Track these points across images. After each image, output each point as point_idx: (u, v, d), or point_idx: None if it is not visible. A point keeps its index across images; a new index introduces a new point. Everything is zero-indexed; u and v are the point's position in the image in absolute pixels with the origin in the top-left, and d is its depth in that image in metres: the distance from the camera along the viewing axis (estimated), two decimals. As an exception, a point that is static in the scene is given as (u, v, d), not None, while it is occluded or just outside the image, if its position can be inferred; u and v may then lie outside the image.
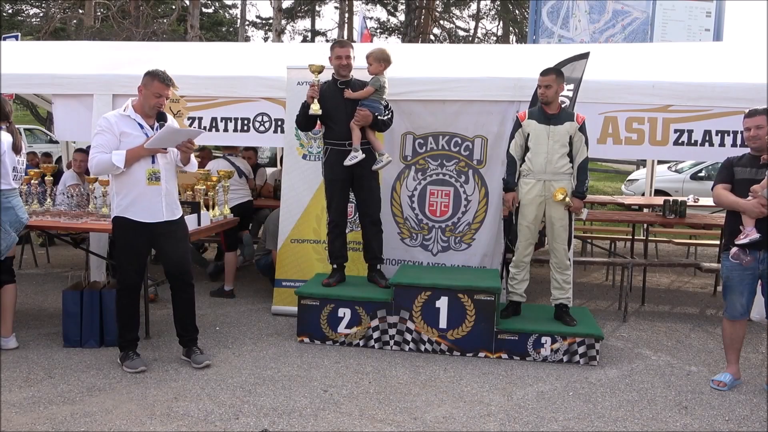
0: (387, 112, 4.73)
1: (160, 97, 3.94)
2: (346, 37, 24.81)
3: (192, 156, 4.16)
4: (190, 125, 5.66)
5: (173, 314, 4.23)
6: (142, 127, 3.95)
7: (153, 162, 3.94)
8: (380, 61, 4.62)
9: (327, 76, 4.82)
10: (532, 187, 4.50)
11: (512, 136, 4.62)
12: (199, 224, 4.78)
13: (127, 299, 4.05)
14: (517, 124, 4.59)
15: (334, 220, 4.82)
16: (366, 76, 4.72)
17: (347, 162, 4.62)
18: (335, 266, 4.88)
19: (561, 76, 4.48)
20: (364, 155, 4.63)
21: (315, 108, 4.61)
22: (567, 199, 4.43)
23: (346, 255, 4.91)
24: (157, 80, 3.92)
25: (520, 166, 4.57)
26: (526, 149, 4.53)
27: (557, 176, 4.47)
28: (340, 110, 4.65)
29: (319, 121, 4.77)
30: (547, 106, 4.46)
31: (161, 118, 4.01)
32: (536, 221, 4.56)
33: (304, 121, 4.76)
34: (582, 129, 4.49)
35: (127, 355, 4.06)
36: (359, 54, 4.76)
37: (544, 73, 4.43)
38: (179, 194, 5.17)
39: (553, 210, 4.51)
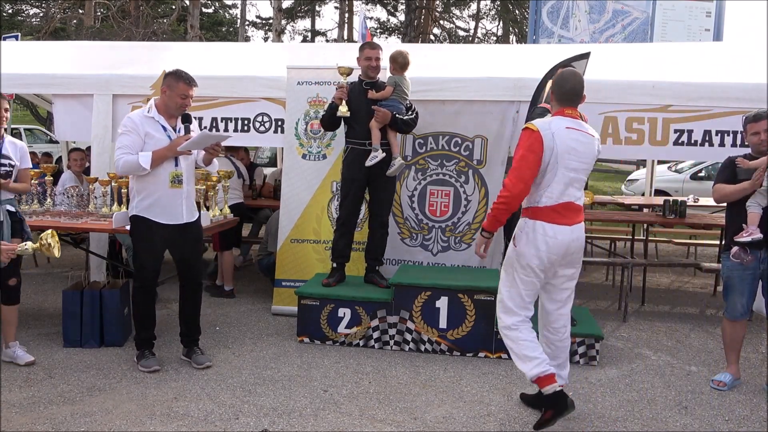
0: (411, 112, 4.75)
1: (185, 98, 3.94)
2: (346, 37, 24.82)
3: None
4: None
5: (180, 313, 4.23)
6: (165, 129, 3.95)
7: (176, 165, 3.95)
8: (392, 62, 4.68)
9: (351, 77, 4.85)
10: None
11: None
12: (199, 224, 4.77)
13: (143, 298, 4.07)
14: None
15: (342, 218, 4.82)
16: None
17: (368, 162, 4.63)
18: (335, 265, 4.88)
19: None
20: (384, 155, 4.64)
21: (343, 110, 4.64)
22: None
23: (349, 255, 4.92)
24: (182, 82, 3.92)
25: None
26: None
27: None
28: (363, 110, 4.67)
29: (342, 121, 4.80)
30: None
31: (186, 119, 4.03)
32: None
33: (330, 122, 4.79)
34: None
35: (143, 354, 4.08)
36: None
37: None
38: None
39: None
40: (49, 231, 3.17)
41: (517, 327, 3.34)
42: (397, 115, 4.64)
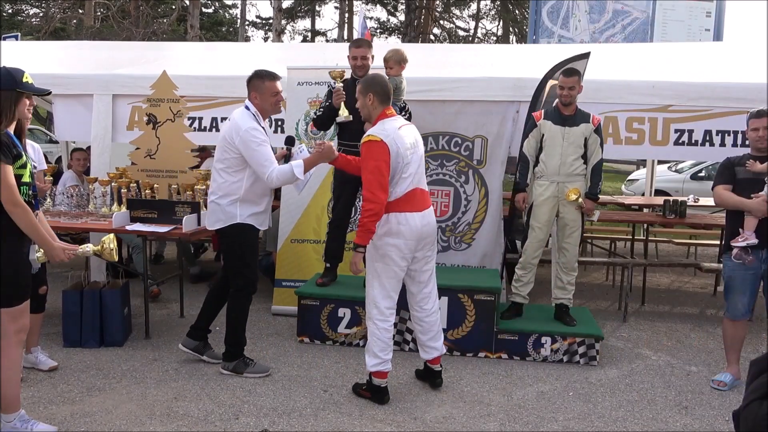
0: (404, 113, 4.71)
1: (277, 94, 3.92)
2: (346, 37, 24.81)
3: None
4: (190, 125, 5.66)
5: (208, 310, 4.18)
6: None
7: None
8: (401, 63, 4.62)
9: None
10: (546, 188, 4.48)
11: (526, 135, 4.61)
12: (198, 224, 4.78)
13: (249, 303, 4.05)
14: (533, 124, 4.56)
15: (336, 221, 4.80)
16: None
17: None
18: (329, 265, 4.86)
19: (581, 77, 4.48)
20: None
21: (344, 114, 4.52)
22: (580, 199, 4.42)
23: (342, 256, 4.91)
24: (267, 79, 3.87)
25: (534, 166, 4.56)
26: (540, 149, 4.52)
27: (570, 178, 4.45)
28: (356, 110, 4.63)
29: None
30: (565, 108, 4.43)
31: (291, 141, 4.09)
32: (548, 223, 4.52)
33: (326, 122, 4.72)
34: (597, 131, 4.46)
35: (245, 362, 4.04)
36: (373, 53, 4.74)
37: (569, 73, 4.39)
38: (179, 194, 5.20)
39: (566, 211, 4.49)
40: (112, 235, 3.20)
41: (379, 321, 3.64)
42: None
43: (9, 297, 2.96)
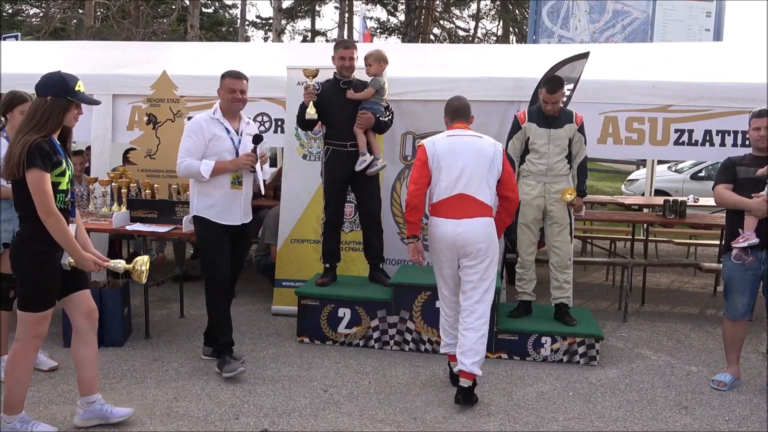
0: (388, 113, 4.72)
1: (233, 92, 3.93)
2: (346, 36, 24.81)
3: None
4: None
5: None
6: (228, 131, 3.97)
7: None
8: (380, 61, 4.61)
9: (321, 78, 4.79)
10: (532, 188, 4.52)
11: (510, 137, 4.63)
12: (199, 224, 4.77)
13: (218, 299, 3.99)
14: (516, 126, 4.59)
15: (330, 221, 4.81)
16: (364, 76, 4.71)
17: (358, 167, 4.60)
18: (328, 266, 4.87)
19: (565, 84, 4.47)
20: (372, 158, 4.63)
21: (311, 112, 4.56)
22: (574, 199, 4.48)
23: (339, 255, 4.91)
24: (227, 77, 3.94)
25: (519, 166, 4.58)
26: (525, 150, 4.55)
27: (557, 178, 4.50)
28: (342, 110, 4.63)
29: (320, 121, 4.76)
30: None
31: (257, 140, 4.03)
32: (535, 222, 4.57)
33: (303, 122, 4.74)
34: (581, 129, 4.51)
35: (224, 360, 3.98)
36: (358, 54, 4.75)
37: (554, 90, 4.33)
38: (179, 194, 5.21)
39: (554, 209, 4.51)
40: (146, 257, 3.18)
41: (441, 309, 3.90)
42: (380, 118, 4.62)
43: (34, 303, 2.97)
